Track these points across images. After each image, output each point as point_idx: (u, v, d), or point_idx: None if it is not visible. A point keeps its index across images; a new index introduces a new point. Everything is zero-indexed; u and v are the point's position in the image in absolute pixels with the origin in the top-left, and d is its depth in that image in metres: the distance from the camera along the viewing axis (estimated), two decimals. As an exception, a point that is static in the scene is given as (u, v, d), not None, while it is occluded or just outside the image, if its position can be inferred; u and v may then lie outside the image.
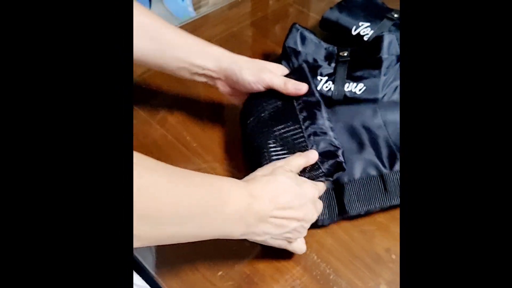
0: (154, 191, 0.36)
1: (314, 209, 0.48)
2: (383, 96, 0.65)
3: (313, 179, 0.51)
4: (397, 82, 0.67)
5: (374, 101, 0.65)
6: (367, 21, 0.77)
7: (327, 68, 0.69)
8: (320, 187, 0.51)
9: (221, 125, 0.67)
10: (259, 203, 0.43)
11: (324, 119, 0.57)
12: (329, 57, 0.70)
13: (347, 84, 0.66)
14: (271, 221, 0.44)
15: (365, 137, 0.59)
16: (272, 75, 0.59)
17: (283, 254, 0.52)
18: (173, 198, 0.37)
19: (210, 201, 0.41)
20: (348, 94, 0.65)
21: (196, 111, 0.70)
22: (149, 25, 0.59)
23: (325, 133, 0.55)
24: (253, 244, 0.53)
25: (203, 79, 0.62)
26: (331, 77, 0.67)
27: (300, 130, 0.55)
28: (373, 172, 0.56)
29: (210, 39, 0.84)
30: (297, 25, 0.71)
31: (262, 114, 0.59)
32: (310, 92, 0.59)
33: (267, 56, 0.81)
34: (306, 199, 0.47)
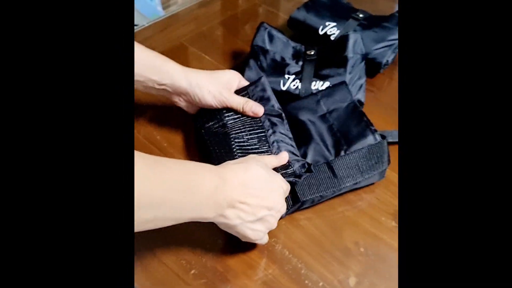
0: None
1: (283, 201, 0.49)
2: (347, 85, 0.66)
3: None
4: (362, 81, 0.68)
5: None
6: (333, 21, 0.78)
7: (295, 67, 0.69)
8: (287, 185, 0.51)
9: (191, 125, 0.67)
10: (230, 186, 0.44)
11: (285, 129, 0.59)
12: (296, 56, 0.71)
13: (314, 82, 0.67)
14: (241, 206, 0.44)
15: (311, 129, 0.60)
16: (232, 99, 0.60)
17: (255, 251, 0.52)
18: (148, 183, 0.37)
19: (183, 184, 0.41)
20: (314, 92, 0.66)
21: (167, 111, 0.69)
22: None
23: (287, 143, 0.57)
24: (226, 242, 0.53)
25: (157, 93, 0.61)
26: (298, 75, 0.68)
27: (264, 138, 0.57)
28: (320, 160, 0.57)
29: (179, 39, 0.83)
30: (265, 24, 0.71)
31: (224, 122, 0.60)
32: (270, 106, 0.61)
33: (237, 55, 0.80)
34: (276, 189, 0.48)
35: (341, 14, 0.79)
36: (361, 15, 0.79)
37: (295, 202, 0.54)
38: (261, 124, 0.58)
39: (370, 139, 0.57)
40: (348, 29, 0.76)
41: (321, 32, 0.78)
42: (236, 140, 0.57)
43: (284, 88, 0.67)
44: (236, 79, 0.63)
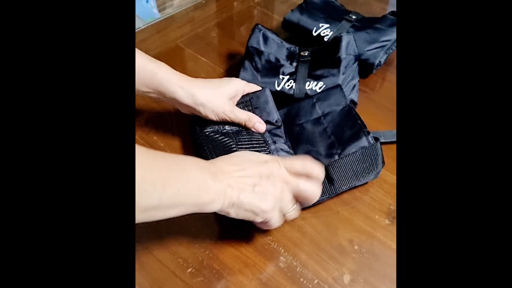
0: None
1: (267, 166, 0.48)
2: (342, 88, 0.66)
3: None
4: (355, 81, 0.68)
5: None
6: (326, 23, 0.78)
7: (289, 67, 0.69)
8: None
9: (187, 126, 0.67)
10: (216, 164, 0.46)
11: (284, 138, 0.60)
12: (290, 57, 0.71)
13: (308, 83, 0.67)
14: (232, 174, 0.46)
15: (306, 133, 0.61)
16: (234, 115, 0.59)
17: (250, 249, 0.52)
18: (149, 168, 0.38)
19: (180, 166, 0.43)
20: (309, 92, 0.66)
21: (164, 112, 0.69)
22: None
23: (287, 152, 0.59)
24: (223, 240, 0.53)
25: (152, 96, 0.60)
26: (292, 76, 0.68)
27: (265, 147, 0.58)
28: None
29: (175, 40, 0.83)
30: (259, 26, 0.71)
31: (225, 131, 0.60)
32: (271, 119, 0.62)
33: (232, 56, 0.80)
34: (253, 159, 0.49)
35: (334, 15, 0.80)
36: (354, 17, 0.79)
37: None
38: (263, 139, 0.59)
39: (363, 142, 0.57)
40: (341, 31, 0.76)
41: (314, 34, 0.78)
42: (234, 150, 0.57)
43: (278, 89, 0.67)
44: (240, 89, 0.63)
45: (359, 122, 0.59)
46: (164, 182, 0.40)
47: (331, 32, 0.77)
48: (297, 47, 0.72)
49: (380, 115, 0.70)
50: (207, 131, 0.61)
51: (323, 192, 0.55)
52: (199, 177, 0.44)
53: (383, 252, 0.53)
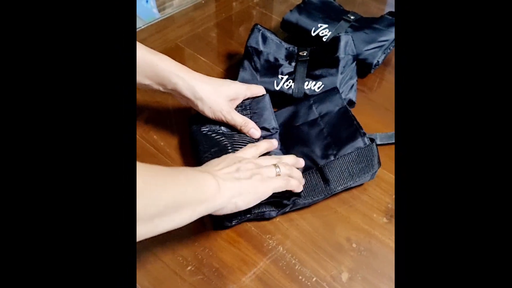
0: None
1: (245, 153, 0.53)
2: (340, 91, 0.66)
3: None
4: (353, 81, 0.68)
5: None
6: (325, 23, 0.78)
7: (288, 67, 0.69)
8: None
9: (187, 124, 0.66)
10: (203, 168, 0.49)
11: (278, 146, 0.60)
12: (289, 57, 0.70)
13: (306, 82, 0.67)
14: (216, 170, 0.48)
15: (302, 134, 0.60)
16: (231, 117, 0.59)
17: (250, 247, 0.52)
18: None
19: (171, 174, 0.43)
20: (307, 91, 0.66)
21: (163, 110, 0.69)
22: None
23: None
24: (222, 239, 0.53)
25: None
26: (291, 75, 0.68)
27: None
28: (311, 165, 0.57)
29: (175, 40, 0.83)
30: (258, 26, 0.71)
31: (221, 131, 0.60)
32: (267, 125, 0.61)
33: (232, 56, 0.80)
34: (228, 156, 0.52)
35: (333, 16, 0.79)
36: (352, 17, 0.79)
37: (287, 204, 0.54)
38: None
39: (359, 142, 0.56)
40: (340, 31, 0.76)
41: (313, 34, 0.78)
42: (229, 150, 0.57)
43: (277, 88, 0.67)
44: (242, 93, 0.62)
45: (355, 123, 0.59)
46: (164, 185, 0.40)
47: (330, 32, 0.76)
48: (296, 47, 0.71)
49: (378, 115, 0.69)
50: (204, 130, 0.60)
51: (319, 193, 0.55)
52: (196, 174, 0.45)
53: (381, 250, 0.52)
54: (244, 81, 0.68)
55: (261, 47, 0.70)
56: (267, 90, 0.66)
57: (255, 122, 0.61)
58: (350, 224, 0.55)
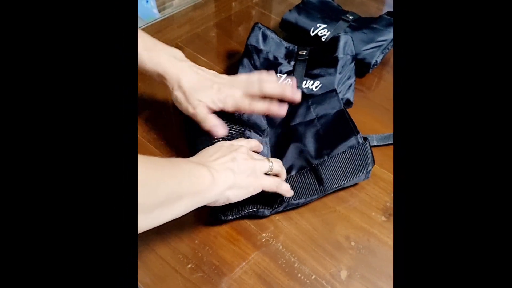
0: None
1: (235, 145, 0.51)
2: (338, 93, 0.66)
3: None
4: (351, 81, 0.68)
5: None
6: (324, 23, 0.78)
7: (287, 66, 0.69)
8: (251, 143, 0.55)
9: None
10: (196, 158, 0.49)
11: (267, 146, 0.59)
12: (289, 56, 0.70)
13: (304, 81, 0.67)
14: (210, 161, 0.48)
15: (299, 135, 0.60)
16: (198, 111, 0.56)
17: (250, 245, 0.52)
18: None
19: (169, 167, 0.43)
20: (305, 90, 0.66)
21: (164, 109, 0.69)
22: None
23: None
24: (222, 236, 0.53)
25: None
26: (290, 74, 0.68)
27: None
28: (305, 165, 0.56)
29: (175, 40, 0.83)
30: (259, 24, 0.71)
31: None
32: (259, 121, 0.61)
33: (231, 56, 0.80)
34: (218, 148, 0.51)
35: (332, 16, 0.79)
36: (350, 17, 0.78)
37: (280, 203, 0.54)
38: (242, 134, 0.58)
39: (352, 141, 0.56)
40: (339, 31, 0.76)
41: (312, 34, 0.77)
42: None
43: (276, 87, 0.67)
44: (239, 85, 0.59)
45: (351, 123, 0.58)
46: (164, 177, 0.40)
47: (329, 32, 0.76)
48: (296, 46, 0.71)
49: (376, 114, 0.69)
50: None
51: (312, 192, 0.54)
52: (192, 166, 0.45)
53: (380, 248, 0.52)
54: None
55: (261, 45, 0.70)
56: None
57: (247, 121, 0.60)
58: (349, 222, 0.55)
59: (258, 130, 0.61)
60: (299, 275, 0.50)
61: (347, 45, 0.68)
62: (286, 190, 0.52)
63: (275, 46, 0.71)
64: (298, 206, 0.56)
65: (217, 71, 0.61)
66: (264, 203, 0.53)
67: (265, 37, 0.70)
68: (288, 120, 0.62)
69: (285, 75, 0.68)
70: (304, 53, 0.70)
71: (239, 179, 0.48)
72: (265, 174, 0.51)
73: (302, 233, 0.54)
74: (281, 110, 0.57)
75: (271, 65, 0.69)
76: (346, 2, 0.94)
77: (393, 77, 0.61)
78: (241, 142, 0.55)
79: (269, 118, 0.62)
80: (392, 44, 0.75)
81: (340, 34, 0.69)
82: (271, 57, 0.69)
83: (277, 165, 0.53)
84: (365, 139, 0.56)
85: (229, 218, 0.52)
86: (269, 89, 0.56)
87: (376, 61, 0.73)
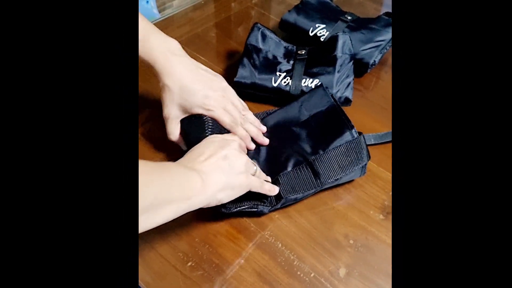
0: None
1: (223, 139, 0.51)
2: (337, 92, 0.66)
3: None
4: (350, 79, 0.68)
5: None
6: (322, 23, 0.78)
7: (286, 65, 0.69)
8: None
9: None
10: (185, 158, 0.48)
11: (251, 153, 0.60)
12: (288, 55, 0.70)
13: (304, 80, 0.67)
14: (198, 161, 0.47)
15: (294, 135, 0.60)
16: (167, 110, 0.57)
17: (249, 243, 0.52)
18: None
19: (159, 171, 0.42)
20: (304, 89, 0.66)
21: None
22: None
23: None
24: (221, 234, 0.53)
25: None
26: (289, 73, 0.68)
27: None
28: (301, 160, 0.56)
29: (176, 39, 0.82)
30: (258, 24, 0.71)
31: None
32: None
33: (230, 56, 0.80)
34: (210, 141, 0.51)
35: (330, 16, 0.79)
36: (349, 17, 0.78)
37: (278, 199, 0.54)
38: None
39: (347, 136, 0.56)
40: (337, 31, 0.76)
41: (311, 34, 0.77)
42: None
43: (275, 85, 0.67)
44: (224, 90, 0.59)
45: (343, 117, 0.58)
46: (154, 181, 0.40)
47: (327, 33, 0.76)
48: (295, 46, 0.71)
49: (374, 113, 0.69)
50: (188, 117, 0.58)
51: (309, 187, 0.54)
52: (181, 171, 0.45)
53: (378, 246, 0.52)
54: (243, 77, 0.68)
55: (260, 45, 0.70)
56: (265, 87, 0.67)
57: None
58: (348, 221, 0.55)
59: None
60: (298, 272, 0.50)
61: (345, 44, 0.68)
62: (269, 189, 0.52)
63: (274, 46, 0.71)
64: (296, 201, 0.55)
65: (217, 71, 0.61)
66: (261, 200, 0.53)
67: (264, 37, 0.70)
68: (282, 123, 0.62)
69: (285, 73, 0.68)
70: (303, 52, 0.70)
71: (231, 178, 0.47)
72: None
73: (301, 231, 0.54)
74: (265, 141, 0.60)
75: (270, 64, 0.69)
76: (345, 2, 0.94)
77: (391, 77, 0.61)
78: (233, 136, 0.55)
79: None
80: (390, 44, 0.75)
81: (338, 33, 0.69)
82: (270, 56, 0.69)
83: (259, 168, 0.53)
84: (360, 133, 0.56)
85: (231, 210, 0.52)
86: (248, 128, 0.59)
87: (374, 61, 0.73)
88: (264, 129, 0.61)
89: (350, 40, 0.69)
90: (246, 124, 0.59)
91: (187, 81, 0.55)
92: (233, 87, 0.62)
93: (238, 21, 0.90)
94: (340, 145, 0.55)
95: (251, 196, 0.52)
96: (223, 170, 0.47)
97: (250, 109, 0.63)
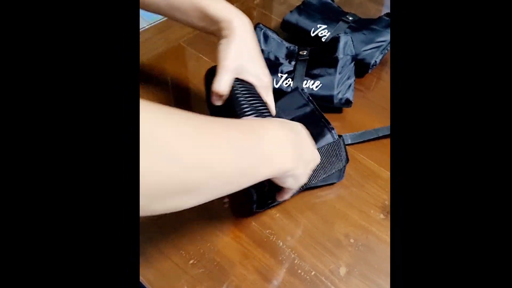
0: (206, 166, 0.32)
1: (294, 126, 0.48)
2: (338, 93, 0.66)
3: None
4: (351, 80, 0.68)
5: (330, 97, 0.66)
6: (324, 24, 0.78)
7: (288, 66, 0.69)
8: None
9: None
10: (284, 149, 0.42)
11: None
12: (289, 56, 0.70)
13: (305, 81, 0.66)
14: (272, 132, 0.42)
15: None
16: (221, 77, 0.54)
17: (250, 242, 0.52)
18: (223, 169, 0.34)
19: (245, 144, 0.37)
20: (306, 90, 0.66)
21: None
22: None
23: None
24: (223, 234, 0.53)
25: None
26: (290, 74, 0.68)
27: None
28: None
29: (178, 40, 0.83)
30: (260, 25, 0.71)
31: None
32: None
33: (233, 56, 0.80)
34: (310, 142, 0.48)
35: (332, 17, 0.79)
36: (350, 18, 0.78)
37: (262, 203, 0.53)
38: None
39: (329, 138, 0.55)
40: (339, 31, 0.76)
41: (312, 34, 0.77)
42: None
43: (276, 86, 0.67)
44: (252, 81, 0.57)
45: (323, 120, 0.57)
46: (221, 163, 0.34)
47: (329, 33, 0.76)
48: (296, 47, 0.71)
49: (375, 113, 0.69)
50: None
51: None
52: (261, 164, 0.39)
53: (378, 246, 0.52)
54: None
55: (262, 45, 0.70)
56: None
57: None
58: (348, 220, 0.55)
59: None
60: (299, 271, 0.50)
61: (347, 45, 0.68)
62: (288, 194, 0.51)
63: (276, 46, 0.70)
64: (279, 203, 0.55)
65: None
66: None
67: (266, 37, 0.70)
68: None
69: (286, 74, 0.68)
70: (305, 53, 0.70)
71: (307, 149, 0.46)
72: None
73: (302, 231, 0.54)
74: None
75: (272, 65, 0.69)
76: (346, 3, 0.94)
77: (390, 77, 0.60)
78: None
79: None
80: (391, 45, 0.75)
81: (340, 34, 0.69)
82: (272, 57, 0.69)
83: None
84: (340, 136, 0.56)
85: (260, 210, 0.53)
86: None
87: (376, 61, 0.73)
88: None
89: (352, 41, 0.69)
90: None
91: (257, 52, 0.55)
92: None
93: (240, 22, 0.90)
94: (322, 147, 0.54)
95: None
96: (303, 144, 0.46)
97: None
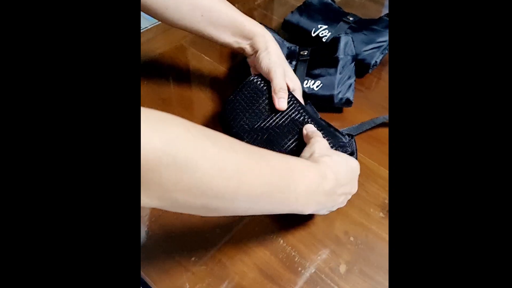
0: (233, 171, 0.35)
1: (357, 183, 0.51)
2: (338, 93, 0.66)
3: None
4: (351, 80, 0.68)
5: (330, 97, 0.66)
6: (325, 24, 0.78)
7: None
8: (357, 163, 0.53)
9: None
10: (328, 182, 0.44)
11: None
12: (290, 56, 0.70)
13: (306, 81, 0.67)
14: (334, 197, 0.46)
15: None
16: (277, 75, 0.57)
17: (252, 240, 0.52)
18: (251, 178, 0.37)
19: (284, 181, 0.40)
20: (306, 90, 0.66)
21: (168, 110, 0.69)
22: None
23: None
24: (224, 232, 0.53)
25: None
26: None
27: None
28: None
29: (179, 40, 0.83)
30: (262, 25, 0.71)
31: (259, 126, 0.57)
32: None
33: (234, 56, 0.80)
34: (355, 173, 0.50)
35: (333, 17, 0.79)
36: (351, 18, 0.78)
37: None
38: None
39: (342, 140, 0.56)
40: (339, 32, 0.76)
41: (313, 34, 0.77)
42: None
43: (278, 87, 0.67)
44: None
45: (337, 132, 0.58)
46: (263, 195, 0.39)
47: (329, 33, 0.76)
48: (297, 47, 0.71)
49: (375, 113, 0.69)
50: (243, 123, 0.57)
51: None
52: (302, 198, 0.43)
53: (378, 244, 0.53)
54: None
55: (263, 46, 0.70)
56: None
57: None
58: (348, 218, 0.55)
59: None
60: (299, 268, 0.50)
61: (347, 45, 0.68)
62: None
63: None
64: None
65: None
66: None
67: (267, 37, 0.70)
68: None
69: (287, 74, 0.68)
70: (306, 53, 0.70)
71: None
72: None
73: (303, 229, 0.54)
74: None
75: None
76: (347, 4, 0.94)
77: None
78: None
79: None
80: (391, 45, 0.75)
81: (340, 35, 0.69)
82: (273, 57, 0.69)
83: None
84: (350, 136, 0.57)
85: None
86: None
87: (376, 61, 0.74)
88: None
89: (352, 41, 0.69)
90: None
91: (285, 59, 0.61)
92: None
93: (242, 22, 0.90)
94: (336, 148, 0.53)
95: None
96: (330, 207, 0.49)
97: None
